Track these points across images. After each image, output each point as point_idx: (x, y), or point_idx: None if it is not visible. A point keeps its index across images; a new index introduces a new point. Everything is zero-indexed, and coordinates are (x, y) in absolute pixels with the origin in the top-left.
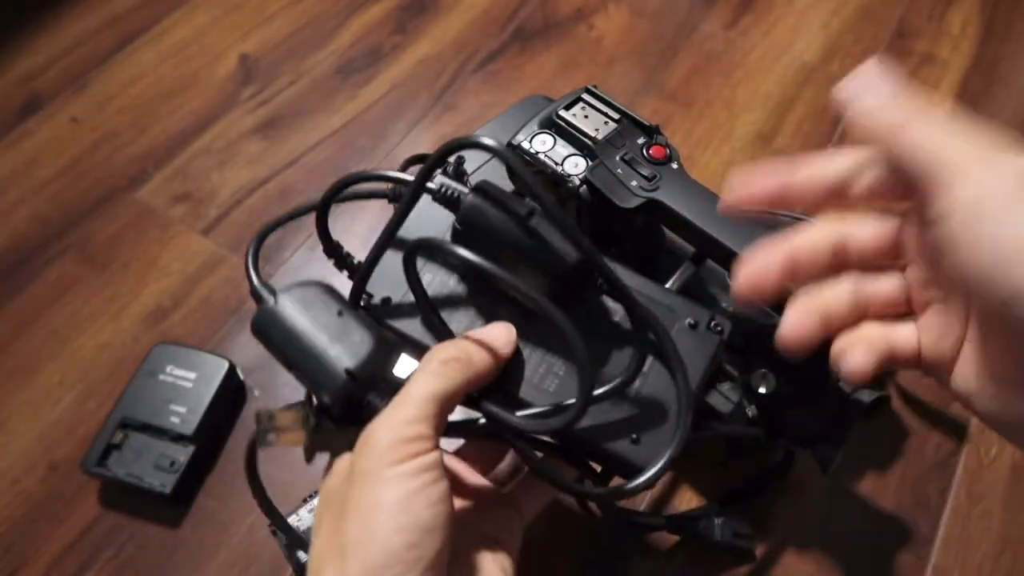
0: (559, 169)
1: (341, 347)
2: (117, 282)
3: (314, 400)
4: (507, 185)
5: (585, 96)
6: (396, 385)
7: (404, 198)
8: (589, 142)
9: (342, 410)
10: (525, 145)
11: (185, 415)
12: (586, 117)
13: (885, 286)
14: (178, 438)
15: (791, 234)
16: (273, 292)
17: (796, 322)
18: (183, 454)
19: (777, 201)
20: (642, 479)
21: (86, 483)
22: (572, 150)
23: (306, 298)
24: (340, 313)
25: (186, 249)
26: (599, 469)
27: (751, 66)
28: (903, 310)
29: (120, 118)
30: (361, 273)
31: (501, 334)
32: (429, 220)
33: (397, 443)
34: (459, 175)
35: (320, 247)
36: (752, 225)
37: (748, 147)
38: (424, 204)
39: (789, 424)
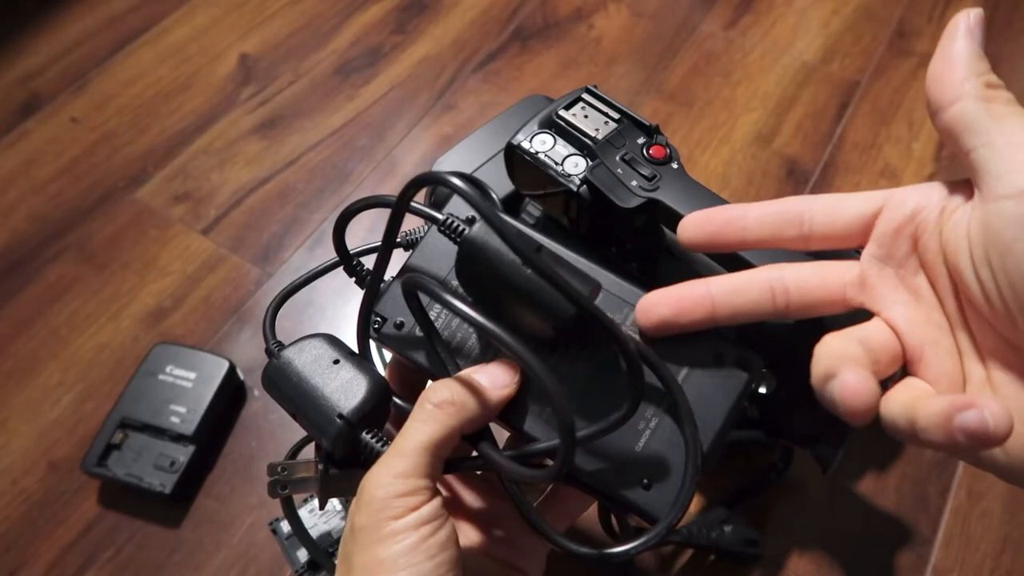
0: (559, 169)
1: (336, 393)
2: (117, 282)
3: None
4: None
5: (585, 96)
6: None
7: (385, 233)
8: (589, 142)
9: (342, 454)
10: (525, 145)
11: (185, 415)
12: (586, 117)
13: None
14: (178, 438)
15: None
16: (280, 346)
17: (858, 386)
18: (183, 454)
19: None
20: (626, 548)
21: (86, 483)
22: (572, 150)
23: (306, 351)
24: (336, 361)
25: (186, 249)
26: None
27: (751, 66)
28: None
29: (120, 118)
30: (364, 303)
31: (502, 374)
32: (445, 250)
33: (391, 499)
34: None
35: (318, 248)
36: None
37: (748, 147)
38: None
39: (789, 424)
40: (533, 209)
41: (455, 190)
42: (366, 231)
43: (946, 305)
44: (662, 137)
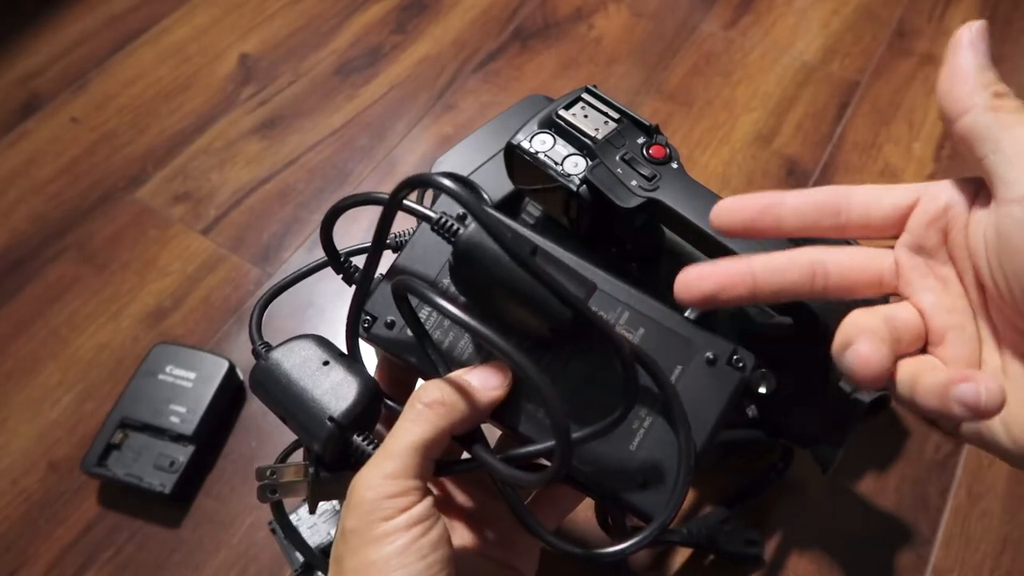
0: (559, 169)
1: (326, 396)
2: (117, 282)
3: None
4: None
5: (585, 96)
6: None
7: (375, 232)
8: (589, 142)
9: (332, 457)
10: (525, 145)
11: (185, 415)
12: (586, 117)
13: (907, 314)
14: (178, 438)
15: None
16: (268, 347)
17: (870, 355)
18: (183, 454)
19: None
20: (619, 548)
21: (86, 483)
22: (572, 150)
23: (295, 352)
24: (326, 363)
25: (186, 249)
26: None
27: (751, 66)
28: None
29: (119, 118)
30: (354, 303)
31: (493, 375)
32: (436, 248)
33: (381, 500)
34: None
35: (318, 248)
36: None
37: (748, 147)
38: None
39: (789, 424)
40: (533, 209)
41: (447, 192)
42: (363, 232)
43: (971, 296)
44: (662, 137)
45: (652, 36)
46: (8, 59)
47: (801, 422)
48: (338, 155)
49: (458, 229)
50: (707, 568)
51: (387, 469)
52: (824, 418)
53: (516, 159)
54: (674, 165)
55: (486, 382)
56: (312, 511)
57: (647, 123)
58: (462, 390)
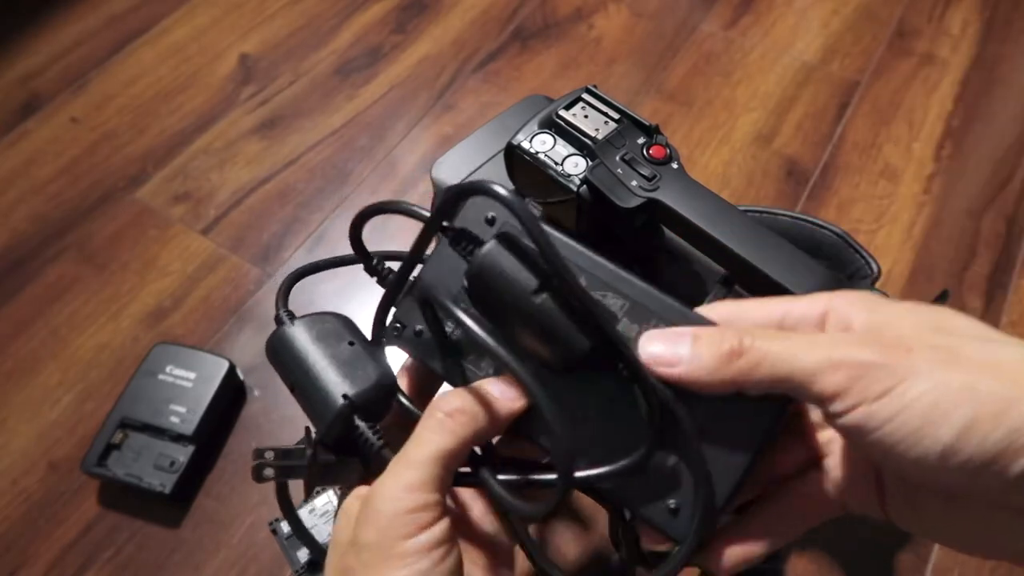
0: (559, 169)
1: (344, 375)
2: (117, 282)
3: (312, 432)
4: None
5: (585, 96)
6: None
7: (414, 245)
8: (589, 142)
9: (334, 438)
10: (525, 145)
11: (185, 415)
12: (586, 117)
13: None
14: (178, 438)
15: None
16: (292, 317)
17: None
18: (183, 454)
19: None
20: None
21: (86, 483)
22: (572, 150)
23: (321, 326)
24: (351, 343)
25: (186, 249)
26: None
27: (751, 66)
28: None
29: (119, 118)
30: (383, 306)
31: (514, 386)
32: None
33: (402, 514)
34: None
35: (318, 248)
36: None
37: (748, 147)
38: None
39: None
40: (533, 209)
41: (503, 202)
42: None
43: None
44: (662, 137)
45: (652, 36)
46: (8, 59)
47: None
48: (338, 155)
49: (473, 249)
50: None
51: (407, 480)
52: None
53: (516, 159)
54: (674, 165)
55: (506, 393)
56: (307, 495)
57: (647, 123)
58: (483, 400)
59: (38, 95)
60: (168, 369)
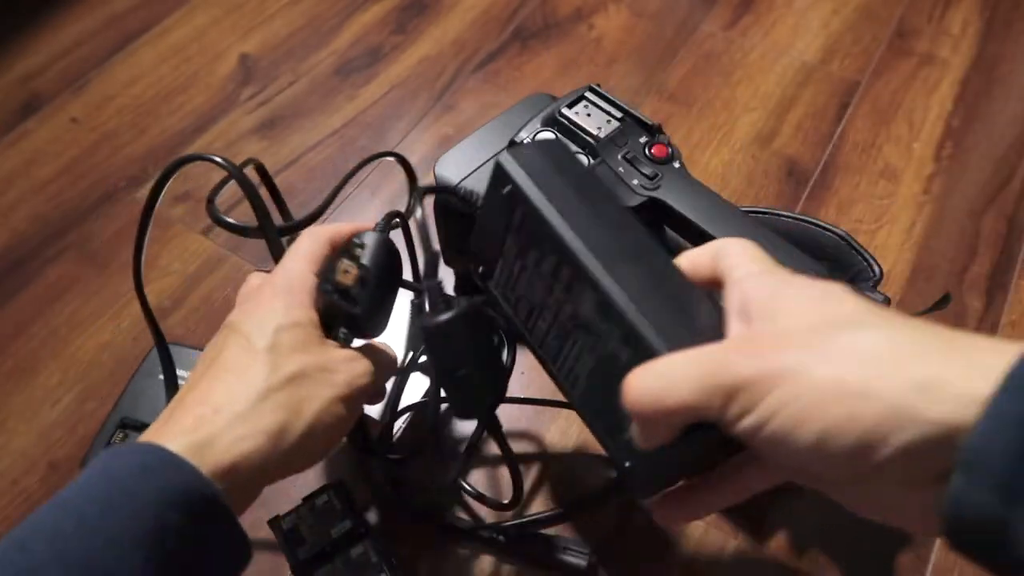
0: None
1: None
2: (117, 282)
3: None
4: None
5: (588, 95)
6: None
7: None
8: (591, 140)
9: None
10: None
11: None
12: (589, 115)
13: None
14: None
15: None
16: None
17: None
18: None
19: None
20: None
21: None
22: (575, 148)
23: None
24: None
25: (186, 249)
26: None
27: (751, 66)
28: None
29: (120, 118)
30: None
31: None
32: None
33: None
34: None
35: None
36: (752, 224)
37: (748, 147)
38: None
39: None
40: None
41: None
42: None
43: None
44: (664, 136)
45: (652, 36)
46: (8, 59)
47: None
48: (338, 155)
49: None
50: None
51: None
52: None
53: None
54: (676, 164)
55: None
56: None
57: (649, 122)
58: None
59: (38, 95)
60: None
